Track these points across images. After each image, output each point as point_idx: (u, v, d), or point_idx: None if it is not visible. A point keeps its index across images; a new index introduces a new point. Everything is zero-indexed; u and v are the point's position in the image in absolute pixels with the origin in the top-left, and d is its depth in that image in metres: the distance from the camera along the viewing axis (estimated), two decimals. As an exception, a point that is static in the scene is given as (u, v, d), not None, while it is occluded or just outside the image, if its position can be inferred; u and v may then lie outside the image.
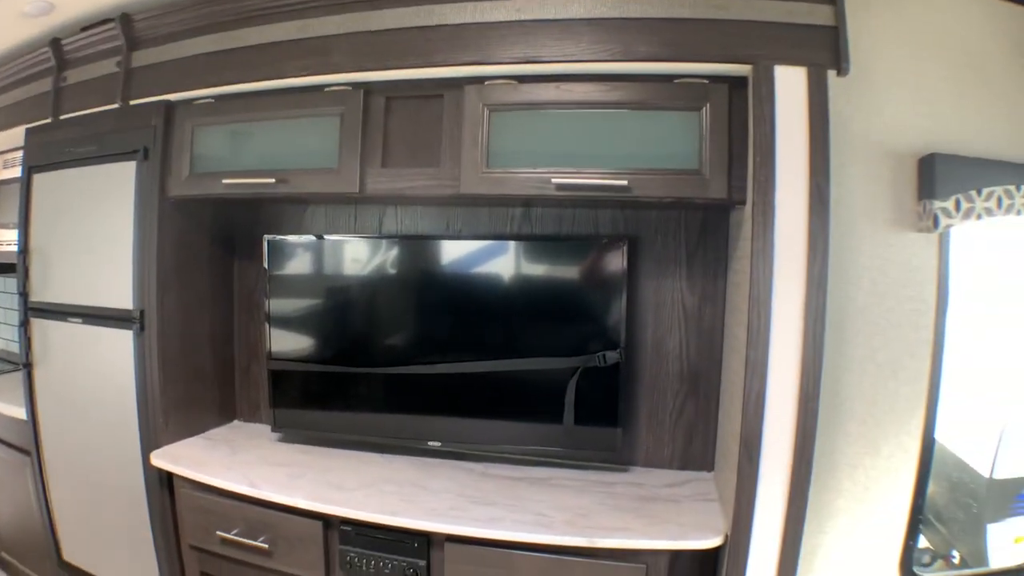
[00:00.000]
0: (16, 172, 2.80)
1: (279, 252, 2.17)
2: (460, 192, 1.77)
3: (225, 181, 1.99)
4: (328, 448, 2.20)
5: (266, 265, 2.17)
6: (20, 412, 2.53)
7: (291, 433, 2.28)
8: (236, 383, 2.46)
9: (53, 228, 2.34)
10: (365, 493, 1.87)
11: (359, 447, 2.19)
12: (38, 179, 2.41)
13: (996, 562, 2.12)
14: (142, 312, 2.10)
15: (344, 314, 2.18)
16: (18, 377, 2.99)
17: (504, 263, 1.98)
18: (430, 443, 2.10)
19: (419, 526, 1.72)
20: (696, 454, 2.00)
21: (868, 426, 1.75)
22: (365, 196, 1.91)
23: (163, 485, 2.14)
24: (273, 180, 1.94)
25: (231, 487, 1.91)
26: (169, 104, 2.08)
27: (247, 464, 2.04)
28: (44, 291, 2.36)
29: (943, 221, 1.71)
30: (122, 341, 2.15)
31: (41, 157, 2.39)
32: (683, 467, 2.02)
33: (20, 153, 2.75)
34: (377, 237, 2.17)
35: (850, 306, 1.72)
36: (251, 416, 2.46)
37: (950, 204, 1.70)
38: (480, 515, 1.74)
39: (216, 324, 2.36)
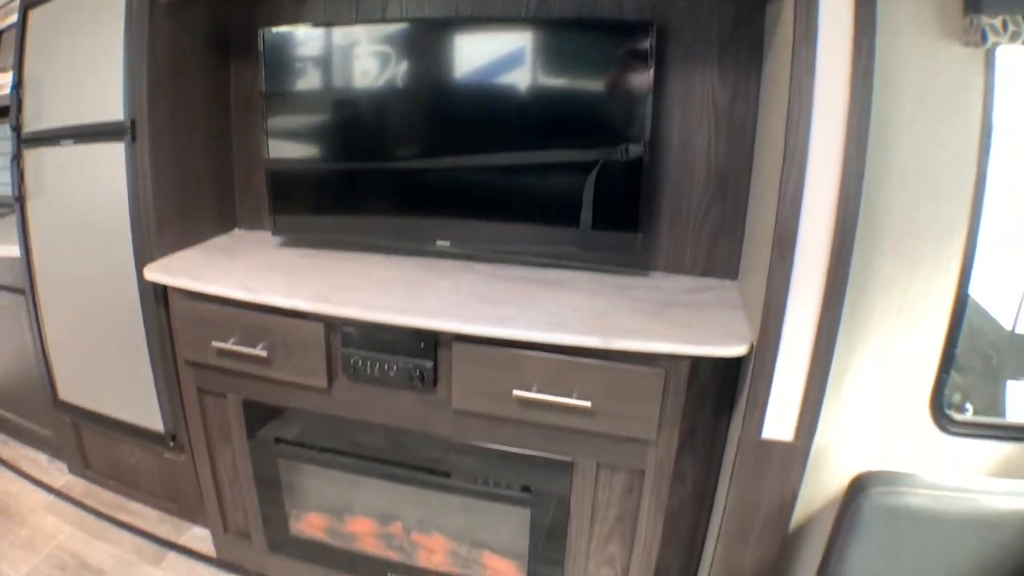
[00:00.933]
0: (14, 18, 2.60)
1: (277, 46, 1.99)
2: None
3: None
4: (332, 251, 2.09)
5: (262, 60, 1.99)
6: (13, 251, 2.41)
7: (293, 237, 2.16)
8: (236, 191, 2.34)
9: (47, 58, 2.18)
10: (370, 294, 1.76)
11: (364, 249, 2.08)
12: (34, 14, 2.23)
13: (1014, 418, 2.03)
14: (133, 122, 1.97)
15: (348, 107, 2.03)
16: (11, 221, 2.88)
17: (521, 49, 1.80)
18: (438, 243, 1.98)
19: (426, 324, 1.62)
20: (720, 261, 1.88)
21: (906, 242, 1.60)
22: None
23: (159, 301, 2.05)
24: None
25: (226, 293, 1.80)
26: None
27: (245, 270, 1.93)
28: (37, 120, 2.22)
29: (991, 38, 1.55)
30: (115, 155, 2.02)
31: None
32: (706, 274, 1.90)
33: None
34: (381, 21, 1.99)
35: (892, 115, 1.56)
36: (253, 224, 2.35)
37: (997, 22, 1.55)
38: (490, 314, 1.64)
39: (213, 131, 2.22)
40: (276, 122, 2.04)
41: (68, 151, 2.13)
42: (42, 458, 2.77)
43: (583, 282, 1.85)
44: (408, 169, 1.98)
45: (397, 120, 2.00)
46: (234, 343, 1.84)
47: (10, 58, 2.63)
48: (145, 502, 2.42)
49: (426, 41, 1.91)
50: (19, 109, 2.25)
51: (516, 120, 1.84)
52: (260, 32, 1.99)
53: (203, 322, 1.89)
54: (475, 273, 1.93)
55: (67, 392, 2.46)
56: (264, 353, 1.81)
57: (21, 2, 2.24)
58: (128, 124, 1.96)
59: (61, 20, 2.11)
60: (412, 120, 1.99)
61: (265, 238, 2.22)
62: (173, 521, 2.36)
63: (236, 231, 2.35)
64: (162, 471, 2.31)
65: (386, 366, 1.74)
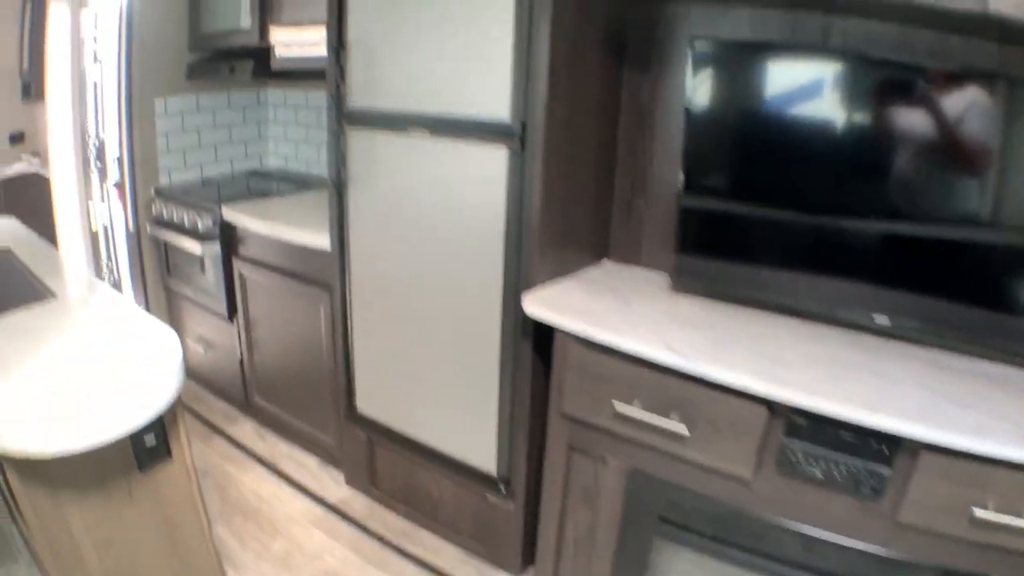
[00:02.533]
0: None
1: (713, 59, 1.66)
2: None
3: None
4: (735, 307, 1.75)
5: (689, 74, 1.67)
6: (320, 240, 2.21)
7: (687, 283, 1.82)
8: (613, 217, 2.03)
9: (380, 17, 1.89)
10: (814, 375, 1.44)
11: (774, 310, 1.73)
12: None
13: None
14: (523, 125, 1.66)
15: (787, 144, 1.67)
16: (302, 199, 2.70)
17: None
18: (875, 317, 1.64)
19: (900, 429, 1.30)
20: None
21: None
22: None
23: (525, 335, 1.78)
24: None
25: (643, 352, 1.50)
26: None
27: (652, 321, 1.63)
28: (368, 96, 1.95)
29: None
30: (490, 159, 1.73)
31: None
32: None
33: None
34: (837, 53, 1.63)
35: None
36: (627, 257, 2.04)
37: None
38: (961, 421, 1.30)
39: (600, 145, 1.90)
40: (696, 148, 1.71)
41: (418, 143, 1.85)
42: (311, 462, 2.60)
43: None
44: (847, 228, 1.64)
45: (842, 168, 1.66)
46: (640, 408, 1.57)
47: (304, 8, 2.41)
48: (445, 537, 2.20)
49: (885, 87, 1.56)
50: (341, 77, 1.99)
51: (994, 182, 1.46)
52: (690, 39, 1.66)
53: (600, 377, 1.61)
54: (917, 360, 1.56)
55: (367, 405, 2.26)
56: (682, 428, 1.52)
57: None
58: (517, 128, 1.66)
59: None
60: (857, 165, 1.64)
61: (647, 277, 1.91)
62: (476, 563, 2.13)
63: (606, 263, 2.04)
64: (477, 511, 2.08)
65: (831, 465, 1.42)
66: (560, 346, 1.69)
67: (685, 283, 1.82)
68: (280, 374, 2.63)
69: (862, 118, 1.59)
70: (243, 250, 2.59)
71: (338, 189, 2.07)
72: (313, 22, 2.35)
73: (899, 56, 1.58)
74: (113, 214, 3.75)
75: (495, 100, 1.69)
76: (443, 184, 1.84)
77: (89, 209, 3.91)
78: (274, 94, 3.30)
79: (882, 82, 1.55)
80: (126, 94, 2.86)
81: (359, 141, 2.00)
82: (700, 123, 1.70)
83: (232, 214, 2.54)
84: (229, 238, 2.62)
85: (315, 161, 3.18)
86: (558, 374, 1.72)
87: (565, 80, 1.68)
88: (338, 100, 2.01)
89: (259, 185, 3.06)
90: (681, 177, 1.73)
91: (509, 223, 1.75)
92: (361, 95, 1.96)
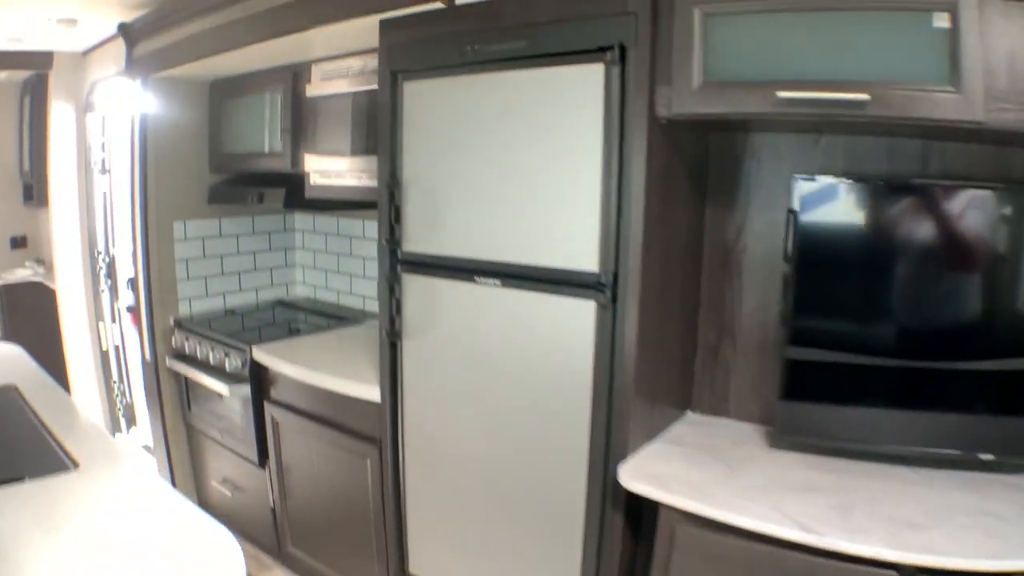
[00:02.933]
0: (338, 87, 2.24)
1: (811, 198, 1.52)
2: None
3: (783, 95, 1.33)
4: (838, 459, 1.57)
5: (794, 211, 1.52)
6: (364, 391, 2.01)
7: (789, 440, 1.62)
8: (697, 365, 1.85)
9: (443, 156, 1.75)
10: (943, 531, 1.29)
11: (878, 459, 1.55)
12: (411, 88, 1.81)
13: None
14: (615, 276, 1.50)
15: (892, 281, 1.53)
16: (338, 337, 2.51)
17: None
18: (980, 455, 1.47)
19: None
20: None
21: None
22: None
23: (616, 504, 1.58)
24: (865, 96, 1.27)
25: (773, 531, 1.32)
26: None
27: (763, 489, 1.44)
28: (428, 240, 1.80)
29: None
30: (572, 312, 1.56)
31: (417, 59, 1.79)
32: None
33: (348, 61, 2.19)
34: (951, 184, 1.48)
35: None
36: (713, 408, 1.85)
37: None
38: None
39: (686, 290, 1.75)
40: (802, 293, 1.55)
41: (488, 293, 1.69)
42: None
43: None
44: (961, 369, 1.49)
45: (963, 306, 1.51)
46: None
47: (330, 139, 2.28)
48: None
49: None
50: (396, 218, 1.83)
51: None
52: (794, 179, 1.52)
53: (713, 556, 1.42)
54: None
55: (421, 567, 2.03)
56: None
57: (387, 65, 1.82)
58: (608, 279, 1.49)
59: (467, 112, 1.68)
60: (986, 306, 1.50)
61: (737, 431, 1.73)
62: None
63: (690, 415, 1.85)
64: None
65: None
66: (666, 524, 1.50)
67: (787, 440, 1.62)
68: (318, 525, 2.39)
69: (989, 250, 1.45)
70: (275, 394, 2.39)
71: (391, 338, 1.89)
72: (343, 153, 2.22)
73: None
74: (125, 336, 3.57)
75: (580, 249, 1.53)
76: (518, 338, 1.67)
77: (99, 327, 3.72)
78: (302, 220, 3.15)
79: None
80: (141, 215, 2.69)
81: (417, 288, 1.83)
82: (806, 266, 1.54)
83: (264, 356, 2.35)
84: (260, 380, 2.42)
85: (346, 292, 3.01)
86: (663, 554, 1.52)
87: (658, 225, 1.53)
88: (392, 243, 1.85)
89: (287, 316, 2.88)
90: (782, 325, 1.56)
91: (597, 382, 1.56)
92: (419, 239, 1.81)
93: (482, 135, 1.67)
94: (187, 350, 2.64)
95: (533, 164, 1.59)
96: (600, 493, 1.60)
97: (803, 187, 1.51)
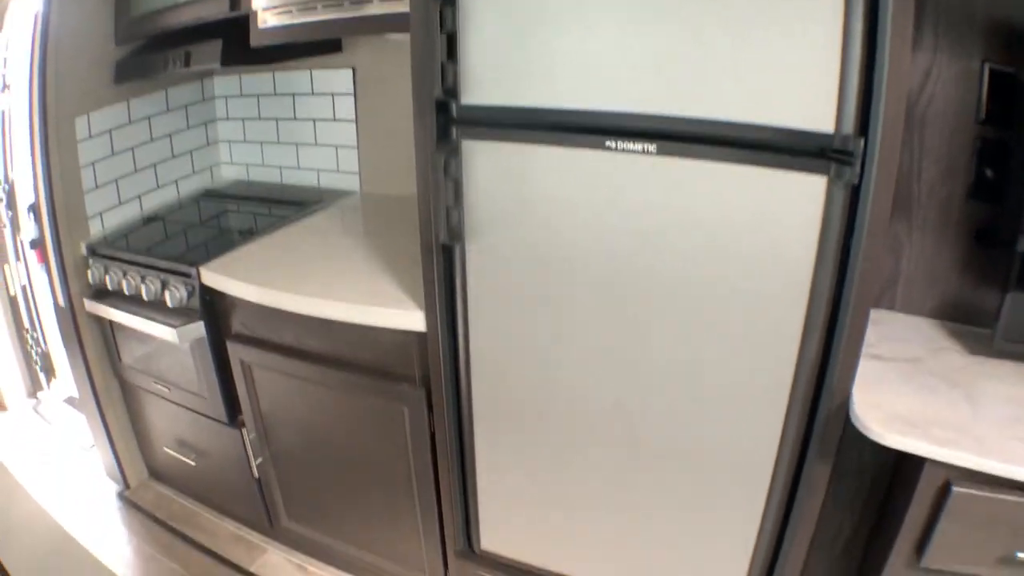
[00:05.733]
0: None
1: None
2: None
3: None
4: None
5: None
6: (398, 317, 1.39)
7: (1008, 345, 1.14)
8: None
9: None
10: None
11: None
12: None
13: None
14: (865, 141, 0.91)
15: None
16: (303, 232, 1.81)
17: None
18: None
19: None
20: None
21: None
22: None
23: (821, 456, 1.11)
24: None
25: None
26: None
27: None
28: (513, 85, 1.13)
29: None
30: (782, 193, 0.98)
31: None
32: None
33: None
34: None
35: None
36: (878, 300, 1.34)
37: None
38: None
39: None
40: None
41: (629, 164, 1.07)
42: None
43: None
44: None
45: None
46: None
47: None
48: None
49: None
50: (449, 51, 1.15)
51: None
52: None
53: (989, 520, 0.96)
54: None
55: (498, 541, 1.52)
56: None
57: None
58: (853, 145, 0.90)
59: None
60: None
61: (915, 329, 1.27)
62: None
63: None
64: None
65: None
66: (929, 481, 0.99)
67: (1012, 347, 1.13)
68: (325, 492, 1.82)
69: None
70: (240, 326, 1.73)
71: (447, 239, 1.25)
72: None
73: None
74: (32, 276, 2.78)
75: (805, 96, 0.92)
76: (680, 232, 1.07)
77: (3, 270, 2.90)
78: (223, 84, 2.35)
79: None
80: (40, 119, 1.89)
81: (491, 163, 1.18)
82: None
83: (222, 280, 1.67)
84: (213, 312, 1.75)
85: (292, 167, 2.30)
86: (918, 518, 1.02)
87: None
88: (445, 93, 1.18)
89: (217, 210, 2.16)
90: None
91: (816, 293, 1.00)
92: (497, 82, 1.14)
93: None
94: (109, 284, 1.91)
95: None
96: (798, 440, 1.09)
97: None
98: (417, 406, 1.48)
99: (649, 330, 1.15)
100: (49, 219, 1.96)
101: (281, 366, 1.66)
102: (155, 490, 2.31)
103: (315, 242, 1.81)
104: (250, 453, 1.89)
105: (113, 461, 2.27)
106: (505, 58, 1.10)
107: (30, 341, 2.90)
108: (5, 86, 2.55)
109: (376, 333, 1.44)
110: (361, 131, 2.10)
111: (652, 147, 1.03)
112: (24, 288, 2.82)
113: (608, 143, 1.06)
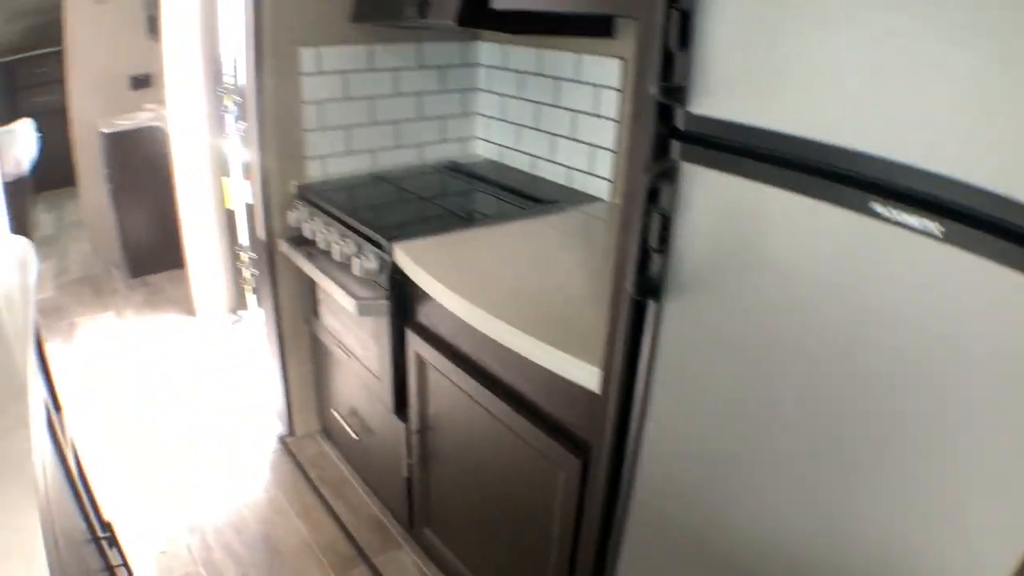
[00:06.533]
0: None
1: None
2: None
3: None
4: None
5: None
6: (570, 368, 1.07)
7: None
8: None
9: None
10: None
11: None
12: None
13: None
14: None
15: None
16: (536, 234, 1.51)
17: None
18: None
19: None
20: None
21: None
22: None
23: None
24: None
25: None
26: None
27: None
28: (757, 98, 0.73)
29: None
30: None
31: None
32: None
33: None
34: None
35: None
36: None
37: None
38: None
39: None
40: None
41: (902, 242, 0.62)
42: None
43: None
44: None
45: None
46: None
47: None
48: None
49: None
50: (682, 39, 0.78)
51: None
52: None
53: None
54: None
55: None
56: None
57: None
58: None
59: None
60: None
61: None
62: None
63: None
64: None
65: None
66: None
67: None
68: (468, 515, 1.58)
69: None
70: (424, 318, 1.52)
71: (640, 292, 0.90)
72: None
73: None
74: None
75: None
76: (964, 362, 0.62)
77: (221, 182, 3.00)
78: (489, 51, 2.13)
79: None
80: (255, 37, 1.81)
81: (718, 197, 0.80)
82: None
83: (410, 264, 1.46)
84: (402, 293, 1.56)
85: (544, 158, 2.00)
86: None
87: None
88: (669, 94, 0.81)
89: (458, 190, 1.95)
90: None
91: None
92: (743, 92, 0.75)
93: None
94: (307, 232, 1.81)
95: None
96: None
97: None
98: (573, 476, 1.16)
99: (887, 490, 0.71)
100: (258, 146, 1.88)
101: (453, 375, 1.42)
102: (319, 447, 2.24)
103: (530, 248, 1.53)
104: (407, 450, 1.70)
105: (284, 405, 2.23)
106: (760, 58, 0.71)
107: (243, 258, 2.97)
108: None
109: (554, 378, 1.14)
110: (622, 134, 1.76)
111: (934, 225, 0.59)
112: (247, 207, 2.86)
113: (875, 206, 0.64)
